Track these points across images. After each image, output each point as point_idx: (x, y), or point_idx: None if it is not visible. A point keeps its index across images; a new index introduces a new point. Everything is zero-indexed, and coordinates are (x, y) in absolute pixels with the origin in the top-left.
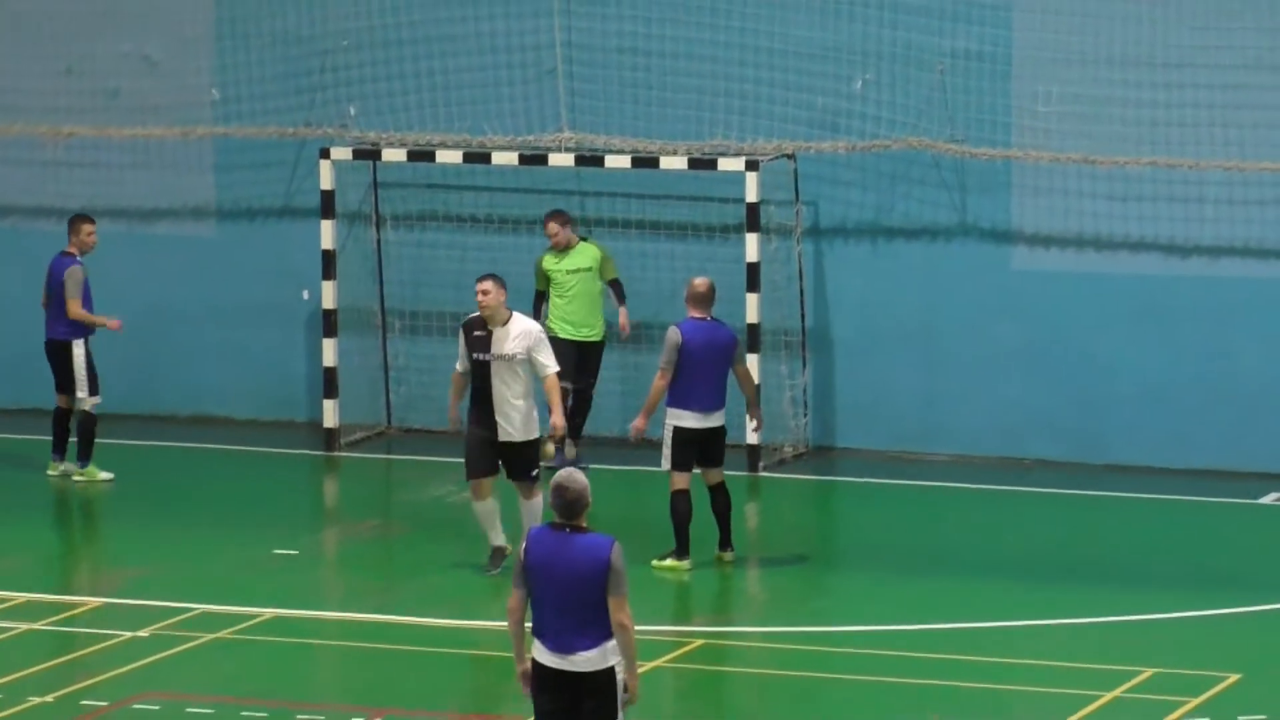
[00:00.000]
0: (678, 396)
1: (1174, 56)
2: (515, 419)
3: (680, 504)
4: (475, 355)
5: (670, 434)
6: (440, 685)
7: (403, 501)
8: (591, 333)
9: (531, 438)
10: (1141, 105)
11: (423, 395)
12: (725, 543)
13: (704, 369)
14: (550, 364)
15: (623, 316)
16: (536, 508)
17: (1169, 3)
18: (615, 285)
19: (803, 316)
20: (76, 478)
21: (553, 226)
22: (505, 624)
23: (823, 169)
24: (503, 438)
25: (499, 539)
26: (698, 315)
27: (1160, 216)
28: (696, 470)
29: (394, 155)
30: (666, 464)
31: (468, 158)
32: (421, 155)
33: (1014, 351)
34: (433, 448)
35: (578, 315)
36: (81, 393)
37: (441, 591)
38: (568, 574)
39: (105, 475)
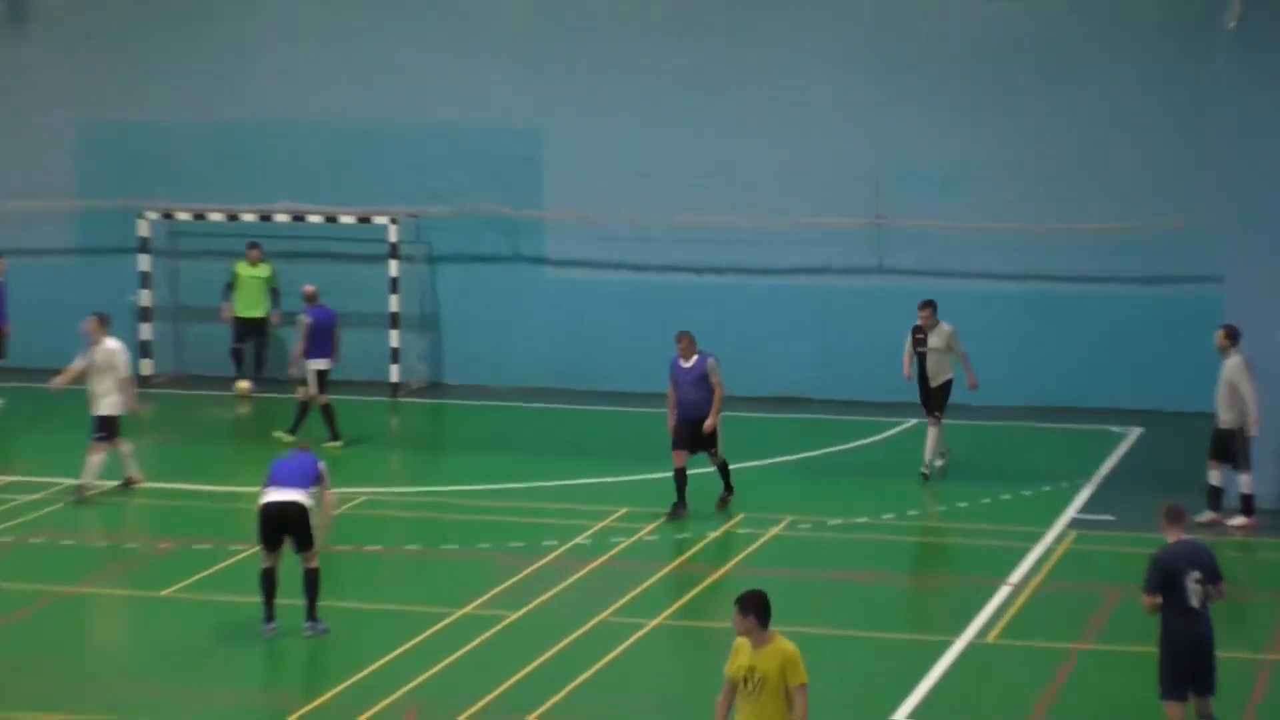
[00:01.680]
0: (311, 351)
1: (643, 159)
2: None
3: (327, 410)
4: None
5: (314, 373)
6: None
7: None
8: (257, 312)
9: None
10: (621, 185)
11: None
12: (317, 433)
13: (323, 335)
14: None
15: (275, 316)
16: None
17: (630, 122)
18: (274, 292)
19: (424, 307)
20: None
21: (252, 253)
22: None
23: (435, 224)
24: None
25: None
26: (316, 305)
27: (635, 250)
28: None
29: (217, 216)
30: (313, 389)
31: (230, 218)
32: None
33: (549, 324)
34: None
35: (250, 302)
36: None
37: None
38: None
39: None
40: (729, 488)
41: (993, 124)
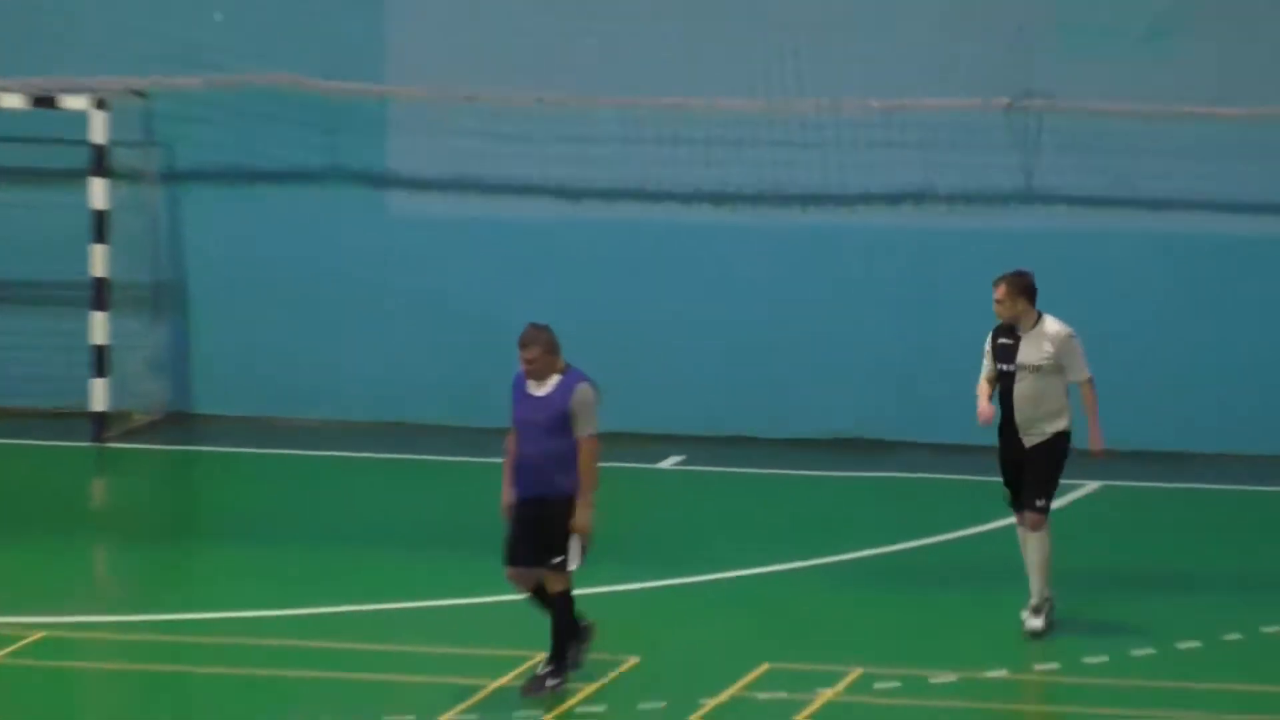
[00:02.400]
0: None
1: None
2: None
3: None
4: None
5: None
6: None
7: None
8: None
9: None
10: (528, 41)
11: None
12: None
13: None
14: None
15: None
16: None
17: None
18: None
19: (158, 269)
20: None
21: None
22: None
23: (179, 108)
24: None
25: None
26: None
27: (570, 161)
28: None
29: None
30: None
31: None
32: None
33: (395, 304)
34: None
35: None
36: None
37: None
38: None
39: None
40: (563, 652)
41: None
